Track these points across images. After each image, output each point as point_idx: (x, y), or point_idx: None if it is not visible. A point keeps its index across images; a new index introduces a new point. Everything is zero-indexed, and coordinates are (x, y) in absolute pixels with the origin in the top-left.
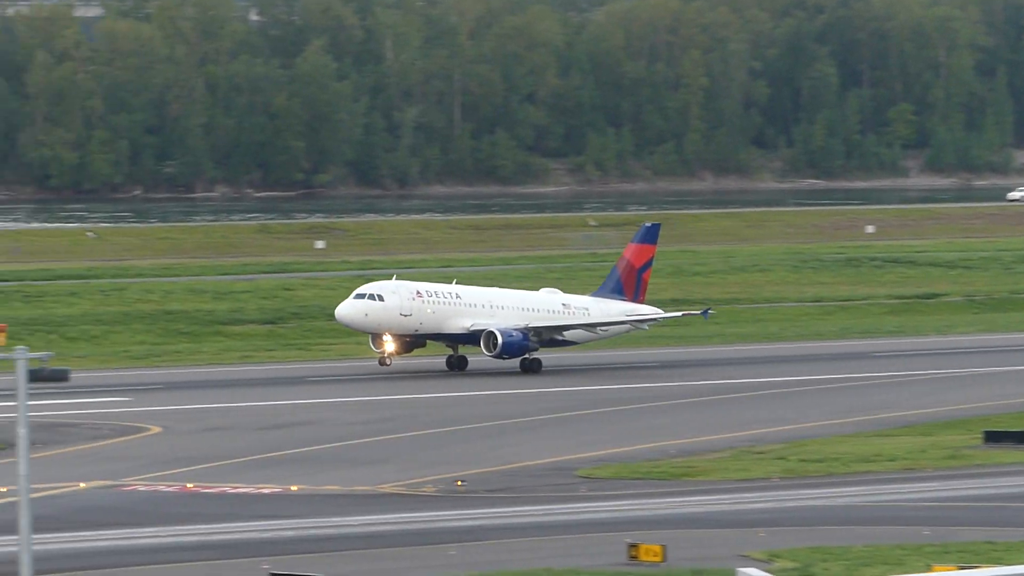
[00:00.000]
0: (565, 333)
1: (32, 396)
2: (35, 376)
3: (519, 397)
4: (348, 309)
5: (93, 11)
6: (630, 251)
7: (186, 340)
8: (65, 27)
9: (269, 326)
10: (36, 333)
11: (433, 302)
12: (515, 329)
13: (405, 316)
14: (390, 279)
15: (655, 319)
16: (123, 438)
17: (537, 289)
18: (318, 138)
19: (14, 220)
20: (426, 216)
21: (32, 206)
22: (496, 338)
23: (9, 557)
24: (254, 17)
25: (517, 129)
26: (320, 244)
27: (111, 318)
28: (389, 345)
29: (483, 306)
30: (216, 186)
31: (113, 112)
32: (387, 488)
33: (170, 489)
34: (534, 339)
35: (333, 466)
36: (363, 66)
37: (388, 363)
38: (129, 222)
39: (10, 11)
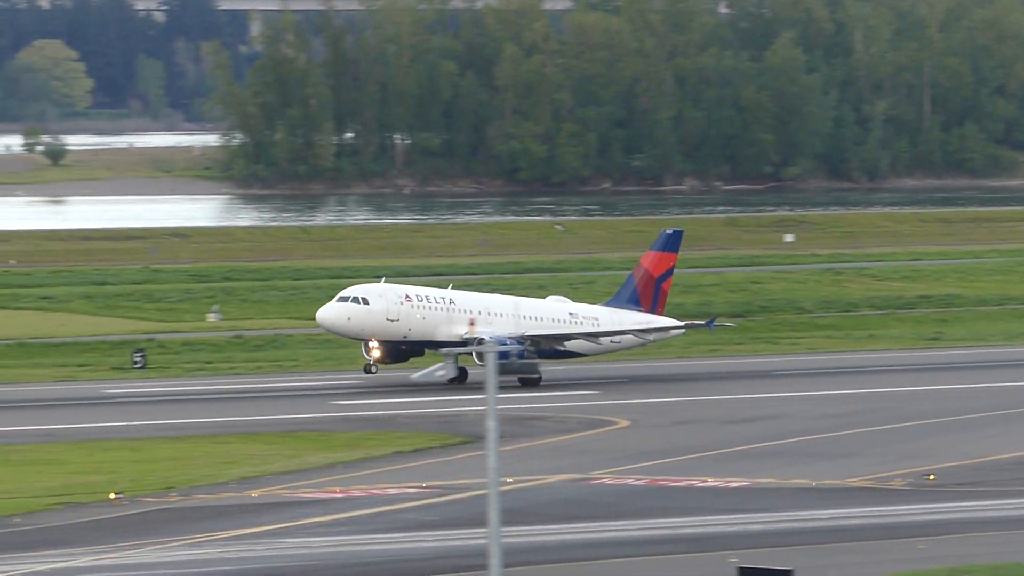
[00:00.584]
0: (567, 343)
1: (501, 389)
2: (504, 369)
3: (989, 392)
4: (329, 312)
5: (562, 4)
6: (648, 259)
7: None
8: (534, 20)
9: (738, 319)
10: None
11: (423, 307)
12: (510, 338)
13: (392, 321)
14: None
15: (661, 330)
16: (591, 431)
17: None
18: (787, 131)
19: (483, 213)
20: (895, 209)
21: (501, 199)
22: None
23: (479, 550)
24: (723, 10)
25: (986, 122)
26: (789, 237)
27: None
28: (375, 352)
29: (479, 313)
30: (684, 179)
31: (581, 105)
32: (856, 482)
33: (638, 483)
34: (531, 349)
35: (800, 460)
36: (833, 59)
37: (374, 371)
38: (597, 215)
39: (479, 4)
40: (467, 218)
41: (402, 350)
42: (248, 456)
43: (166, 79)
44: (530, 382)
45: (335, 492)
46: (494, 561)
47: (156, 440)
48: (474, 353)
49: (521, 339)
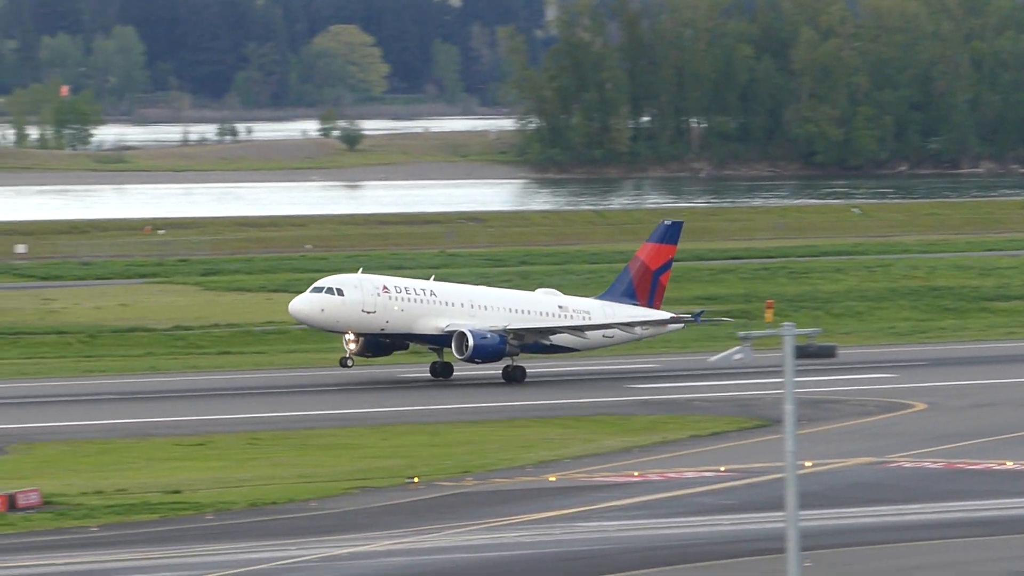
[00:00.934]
0: (553, 337)
1: (799, 372)
2: (802, 352)
3: None
4: (302, 304)
5: None
6: (645, 251)
7: (951, 316)
8: (830, 4)
9: None
10: (802, 310)
11: (402, 299)
12: (491, 331)
13: (368, 313)
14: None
15: (652, 324)
16: (888, 414)
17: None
18: None
19: (780, 196)
20: None
21: (797, 182)
22: (467, 339)
23: (776, 533)
24: None
25: None
26: None
27: (876, 294)
28: (352, 345)
29: (462, 305)
30: (981, 162)
31: (878, 88)
32: None
33: (935, 466)
34: (514, 342)
35: None
36: None
37: (349, 364)
38: (893, 198)
39: None
40: (762, 201)
41: (385, 343)
42: (545, 440)
43: (461, 64)
44: (514, 377)
45: (632, 476)
46: (791, 544)
47: (453, 424)
48: (454, 346)
49: (503, 332)
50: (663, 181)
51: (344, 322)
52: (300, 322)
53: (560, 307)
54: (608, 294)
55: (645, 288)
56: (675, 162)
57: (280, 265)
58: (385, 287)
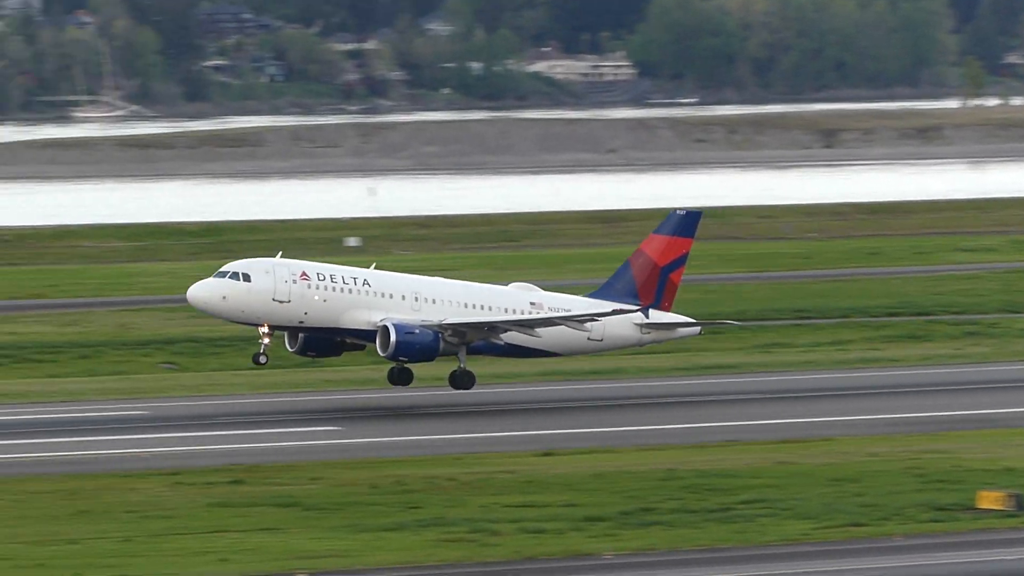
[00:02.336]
0: (505, 336)
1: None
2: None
3: None
4: (200, 290)
5: None
6: (652, 244)
7: None
8: None
9: None
10: None
11: (325, 288)
12: (423, 326)
13: (280, 303)
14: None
15: (658, 326)
16: None
17: None
18: None
19: None
20: None
21: None
22: (390, 334)
23: None
24: None
25: None
26: None
27: None
28: (267, 339)
29: (403, 298)
30: None
31: None
32: None
33: None
34: (452, 340)
35: None
36: None
37: (262, 361)
38: None
39: None
40: None
41: (335, 341)
42: None
43: None
44: (462, 384)
45: None
46: None
47: None
48: (378, 342)
49: (438, 328)
50: None
51: (251, 312)
52: (201, 311)
53: (532, 304)
54: (602, 292)
55: (651, 286)
56: None
57: None
58: (305, 274)
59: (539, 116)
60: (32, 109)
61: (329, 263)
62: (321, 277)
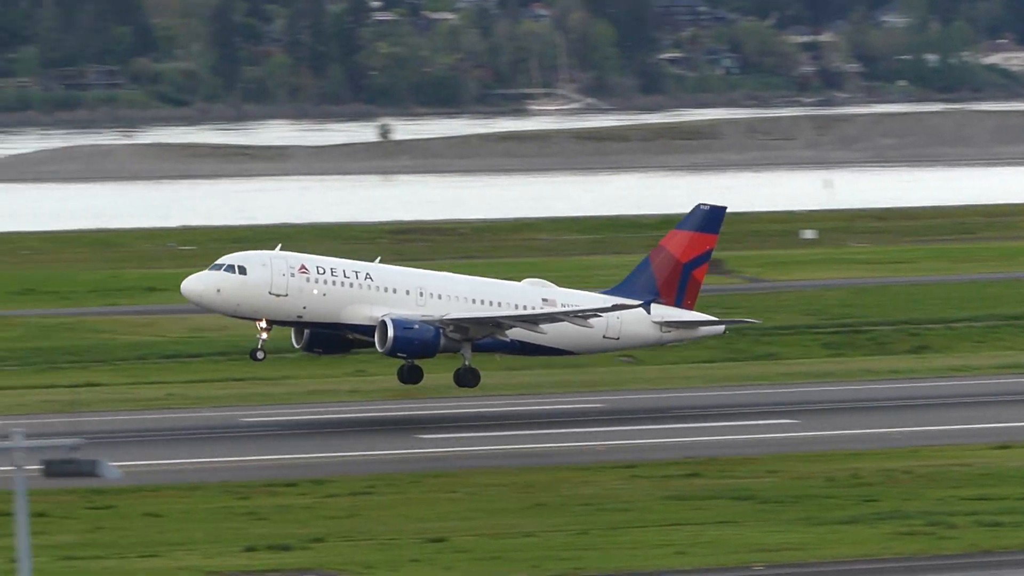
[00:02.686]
0: (511, 332)
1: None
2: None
3: None
4: (195, 283)
5: None
6: (674, 240)
7: None
8: None
9: None
10: None
11: (325, 281)
12: (423, 321)
13: (278, 296)
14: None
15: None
16: None
17: None
18: None
19: None
20: None
21: None
22: (387, 329)
23: None
24: None
25: None
26: None
27: None
28: (264, 334)
29: (407, 292)
30: None
31: None
32: None
33: None
34: (454, 335)
35: None
36: None
37: (260, 357)
38: None
39: None
40: None
41: (345, 338)
42: None
43: None
44: (466, 382)
45: None
46: None
47: None
48: (376, 337)
49: (440, 323)
50: None
51: (247, 306)
52: (195, 304)
53: (545, 300)
54: (620, 289)
55: (672, 284)
56: None
57: None
58: (304, 267)
59: (995, 108)
60: (488, 102)
61: (784, 253)
62: (321, 270)
